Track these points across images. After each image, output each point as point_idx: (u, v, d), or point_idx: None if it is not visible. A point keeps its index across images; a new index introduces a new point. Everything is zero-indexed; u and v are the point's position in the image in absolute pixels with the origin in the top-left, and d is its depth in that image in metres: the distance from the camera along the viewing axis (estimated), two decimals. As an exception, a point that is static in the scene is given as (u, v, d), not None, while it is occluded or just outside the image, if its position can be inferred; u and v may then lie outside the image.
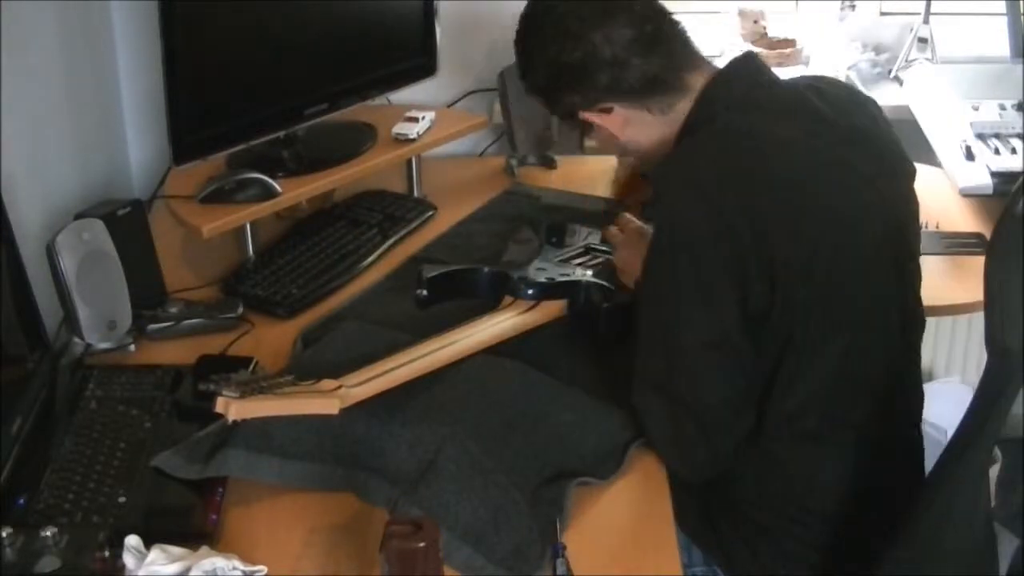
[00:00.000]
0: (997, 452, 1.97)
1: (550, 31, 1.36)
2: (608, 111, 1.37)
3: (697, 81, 1.35)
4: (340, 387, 1.26)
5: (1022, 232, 1.05)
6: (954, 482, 1.16)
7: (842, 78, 2.12)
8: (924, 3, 2.15)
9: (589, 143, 1.47)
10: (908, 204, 1.37)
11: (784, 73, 2.15)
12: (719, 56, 2.19)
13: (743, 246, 1.19)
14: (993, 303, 1.07)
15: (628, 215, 1.57)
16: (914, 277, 1.37)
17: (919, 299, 1.38)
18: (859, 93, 1.46)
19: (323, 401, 1.23)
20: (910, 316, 1.36)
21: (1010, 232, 1.07)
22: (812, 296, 1.22)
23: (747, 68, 1.36)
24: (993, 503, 1.48)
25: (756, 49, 2.20)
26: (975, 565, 1.27)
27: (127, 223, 1.57)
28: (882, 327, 1.30)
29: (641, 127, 1.38)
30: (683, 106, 1.35)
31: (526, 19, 1.41)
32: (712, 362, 1.23)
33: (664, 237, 1.26)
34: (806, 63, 2.22)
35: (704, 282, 1.22)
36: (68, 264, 1.43)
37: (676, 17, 1.38)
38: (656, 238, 1.28)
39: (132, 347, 1.53)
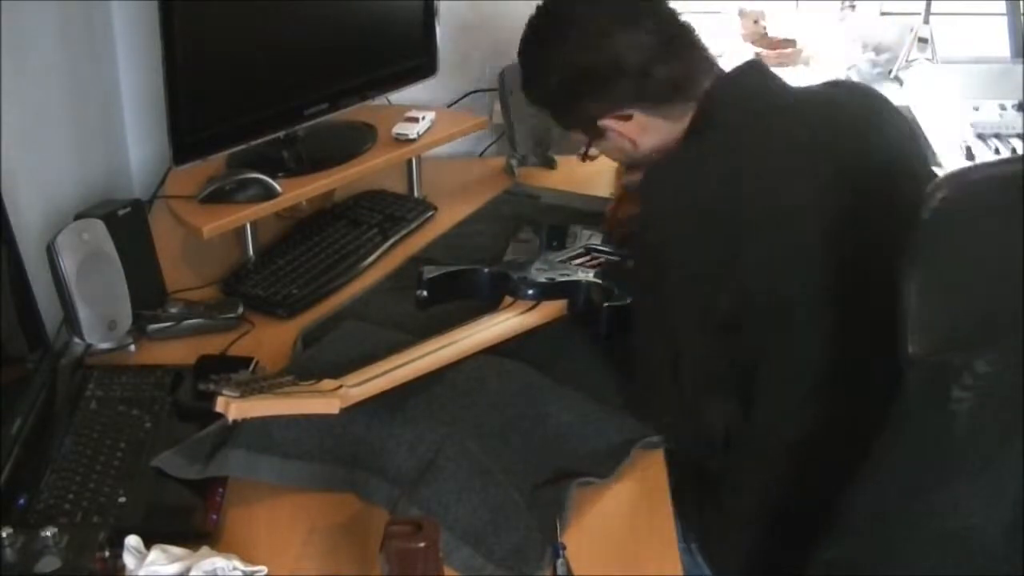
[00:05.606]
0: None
1: (569, 36, 1.32)
2: (628, 118, 1.35)
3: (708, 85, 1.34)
4: (340, 387, 1.26)
5: (928, 238, 1.03)
6: (883, 484, 1.13)
7: (842, 78, 2.12)
8: (924, 3, 2.15)
9: (593, 152, 1.44)
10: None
11: (784, 73, 2.18)
12: (720, 56, 2.19)
13: (720, 251, 1.21)
14: (905, 312, 1.02)
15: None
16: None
17: None
18: (877, 103, 1.39)
19: (323, 401, 1.23)
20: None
21: (920, 238, 1.04)
22: (783, 299, 1.22)
23: (751, 75, 1.35)
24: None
25: (756, 49, 2.21)
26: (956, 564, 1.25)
27: (127, 223, 1.57)
28: (866, 324, 1.28)
29: (656, 134, 1.36)
30: (692, 111, 1.34)
31: (538, 24, 1.37)
32: (704, 347, 1.25)
33: (652, 233, 1.27)
34: (806, 63, 2.22)
35: (691, 274, 1.23)
36: (68, 264, 1.43)
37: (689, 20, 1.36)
38: (644, 234, 1.29)
39: (132, 347, 1.53)
